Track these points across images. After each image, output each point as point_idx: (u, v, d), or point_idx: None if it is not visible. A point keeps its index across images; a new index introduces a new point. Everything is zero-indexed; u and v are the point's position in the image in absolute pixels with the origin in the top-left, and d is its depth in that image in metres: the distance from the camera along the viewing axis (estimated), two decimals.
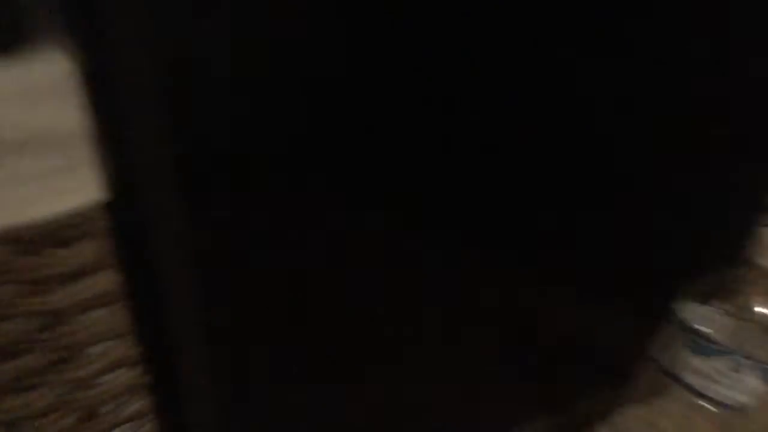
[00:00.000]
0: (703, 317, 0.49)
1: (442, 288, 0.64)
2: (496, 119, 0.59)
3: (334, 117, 0.51)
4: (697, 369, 0.48)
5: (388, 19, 0.52)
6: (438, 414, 0.56)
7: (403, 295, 0.60)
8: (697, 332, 0.48)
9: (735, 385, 0.47)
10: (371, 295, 0.57)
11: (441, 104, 0.57)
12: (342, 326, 0.56)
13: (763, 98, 0.54)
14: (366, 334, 0.58)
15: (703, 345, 0.47)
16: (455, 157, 0.61)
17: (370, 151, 0.53)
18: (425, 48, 0.54)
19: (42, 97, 0.30)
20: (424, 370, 0.59)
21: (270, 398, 0.54)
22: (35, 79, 0.29)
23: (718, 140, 0.57)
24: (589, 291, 0.63)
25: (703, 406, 0.48)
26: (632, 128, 0.63)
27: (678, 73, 0.58)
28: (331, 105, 0.50)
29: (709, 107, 0.57)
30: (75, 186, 0.31)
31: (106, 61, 0.29)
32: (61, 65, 0.29)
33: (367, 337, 0.58)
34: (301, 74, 0.49)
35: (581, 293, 0.64)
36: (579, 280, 0.63)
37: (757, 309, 0.48)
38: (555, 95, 0.60)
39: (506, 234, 0.66)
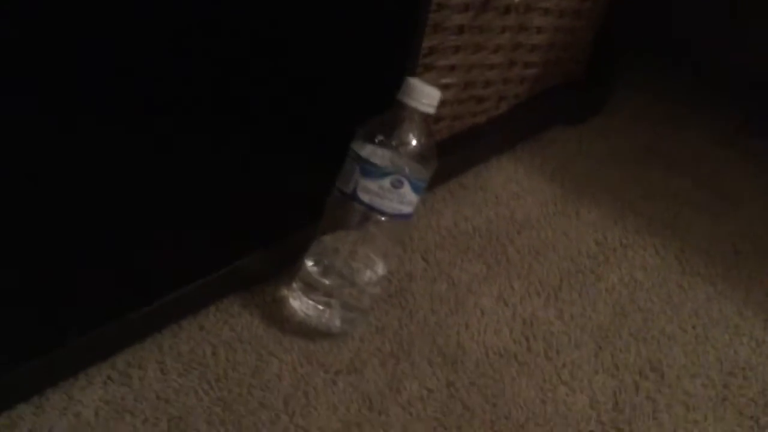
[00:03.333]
0: (370, 152, 0.62)
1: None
2: None
3: None
4: (367, 189, 0.62)
5: None
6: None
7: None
8: (366, 161, 0.62)
9: (396, 198, 0.62)
10: None
11: None
12: None
13: None
14: None
15: (370, 170, 0.61)
16: None
17: None
18: None
19: None
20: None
21: None
22: None
23: None
24: (292, 144, 0.75)
25: (375, 217, 0.63)
26: None
27: None
28: None
29: None
30: None
31: None
32: None
33: None
34: None
35: (287, 147, 0.75)
36: (284, 137, 0.75)
37: (410, 140, 0.63)
38: None
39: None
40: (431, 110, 0.62)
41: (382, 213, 0.63)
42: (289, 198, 0.70)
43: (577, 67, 1.00)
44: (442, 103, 0.77)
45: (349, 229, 0.66)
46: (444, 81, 0.77)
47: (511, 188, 0.90)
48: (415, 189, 0.63)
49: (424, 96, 0.61)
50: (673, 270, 0.83)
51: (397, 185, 0.62)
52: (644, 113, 1.10)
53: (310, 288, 0.66)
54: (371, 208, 0.62)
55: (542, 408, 0.66)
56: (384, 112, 0.64)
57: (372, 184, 0.61)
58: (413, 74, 0.69)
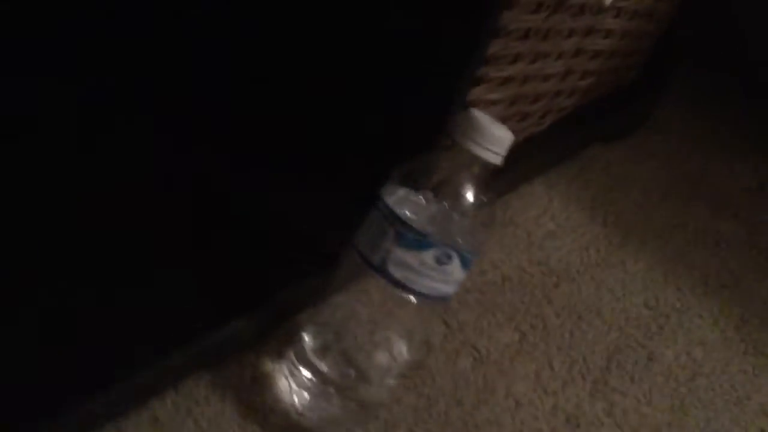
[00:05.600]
0: (410, 210, 0.45)
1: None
2: None
3: None
4: (403, 262, 0.44)
5: None
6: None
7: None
8: (403, 223, 0.44)
9: (440, 276, 0.45)
10: None
11: None
12: None
13: None
14: None
15: (410, 237, 0.44)
16: None
17: None
18: None
19: None
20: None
21: None
22: None
23: None
24: (293, 176, 0.56)
25: (403, 298, 0.46)
26: None
27: None
28: None
29: None
30: None
31: None
32: None
33: None
34: None
35: (284, 178, 0.57)
36: (282, 164, 0.56)
37: (466, 199, 0.46)
38: None
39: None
40: (498, 160, 0.45)
41: (416, 294, 0.46)
42: (290, 250, 0.53)
43: (628, 77, 0.84)
44: None
45: (366, 300, 0.49)
46: (491, 96, 0.60)
47: (545, 224, 0.74)
48: (465, 264, 0.46)
49: (492, 140, 0.44)
50: (734, 347, 0.69)
51: (444, 260, 0.44)
52: (691, 134, 0.94)
53: (305, 367, 0.50)
54: (403, 287, 0.45)
55: None
56: (427, 153, 0.46)
57: (410, 257, 0.44)
58: (465, 97, 0.52)
